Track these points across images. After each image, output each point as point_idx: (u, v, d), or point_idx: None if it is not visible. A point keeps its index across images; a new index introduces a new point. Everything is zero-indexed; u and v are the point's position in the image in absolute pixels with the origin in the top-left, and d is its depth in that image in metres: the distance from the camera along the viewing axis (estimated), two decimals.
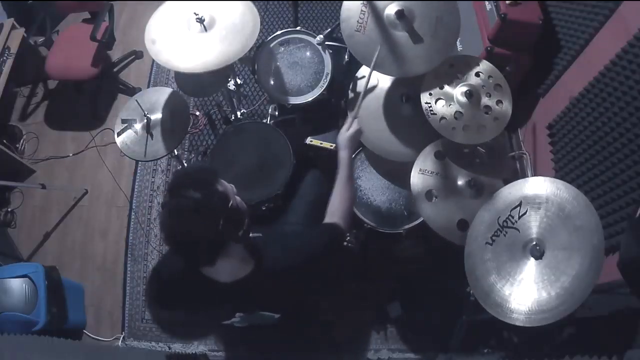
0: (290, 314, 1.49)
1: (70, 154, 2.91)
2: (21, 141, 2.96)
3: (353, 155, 1.93)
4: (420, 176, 1.64)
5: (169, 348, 2.36)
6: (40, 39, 2.94)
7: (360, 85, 1.88)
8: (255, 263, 1.19)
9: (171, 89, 2.06)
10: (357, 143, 1.60)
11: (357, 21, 1.60)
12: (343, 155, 1.49)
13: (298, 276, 1.27)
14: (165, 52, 1.71)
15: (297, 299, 1.49)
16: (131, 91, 3.00)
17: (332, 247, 1.35)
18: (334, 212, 1.39)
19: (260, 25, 1.75)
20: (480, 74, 1.65)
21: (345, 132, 1.52)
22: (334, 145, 2.07)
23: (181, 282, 1.23)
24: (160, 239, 2.61)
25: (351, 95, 1.88)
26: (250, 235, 1.45)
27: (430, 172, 1.64)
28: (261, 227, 1.58)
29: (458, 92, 1.63)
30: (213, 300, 1.23)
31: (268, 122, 2.18)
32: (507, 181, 1.54)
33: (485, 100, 1.61)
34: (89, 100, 3.01)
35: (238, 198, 1.14)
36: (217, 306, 1.31)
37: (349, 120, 1.57)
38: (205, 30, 1.75)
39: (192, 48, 1.73)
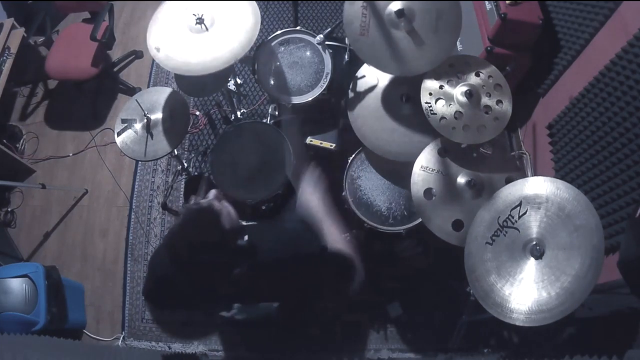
0: (288, 303, 1.50)
1: (70, 154, 2.91)
2: (21, 141, 2.96)
3: (351, 157, 1.95)
4: (421, 173, 1.64)
5: (169, 348, 2.36)
6: (40, 39, 2.95)
7: (360, 85, 1.88)
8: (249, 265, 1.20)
9: (171, 89, 2.06)
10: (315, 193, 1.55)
11: (360, 25, 1.60)
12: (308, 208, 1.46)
13: (287, 269, 1.28)
14: (171, 58, 1.72)
15: (291, 290, 1.48)
16: (131, 91, 3.00)
17: (321, 257, 1.34)
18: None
19: (260, 24, 1.75)
20: (480, 73, 1.65)
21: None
22: (333, 145, 2.09)
23: (177, 277, 1.23)
24: (160, 239, 2.62)
25: (351, 95, 1.88)
26: (245, 223, 1.45)
27: (431, 169, 1.64)
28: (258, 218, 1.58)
29: (458, 92, 1.62)
30: (210, 293, 1.23)
31: (268, 122, 2.18)
32: (510, 180, 1.54)
33: (485, 100, 1.61)
34: (89, 100, 3.01)
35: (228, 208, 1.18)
36: (214, 299, 1.31)
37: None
38: (206, 29, 1.75)
39: (195, 50, 1.73)
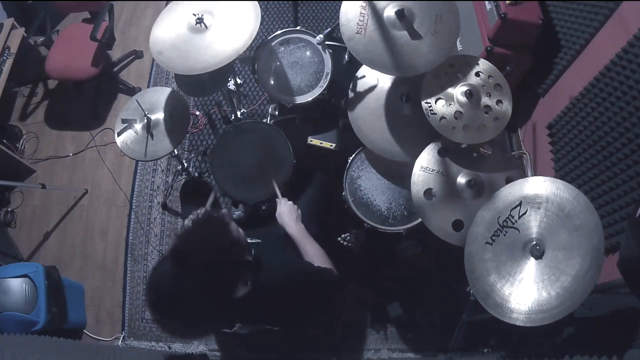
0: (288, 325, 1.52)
1: (70, 154, 2.91)
2: (21, 141, 2.97)
3: (351, 157, 1.95)
4: (421, 173, 1.64)
5: (169, 348, 2.36)
6: (40, 39, 2.95)
7: (360, 85, 1.88)
8: (253, 283, 1.21)
9: (171, 89, 2.05)
10: (291, 217, 1.66)
11: (357, 23, 1.60)
12: (289, 231, 1.61)
13: (286, 294, 1.29)
14: (173, 59, 1.72)
15: (292, 314, 1.49)
16: (131, 91, 3.00)
17: (321, 282, 1.39)
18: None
19: (260, 24, 1.75)
20: (480, 73, 1.65)
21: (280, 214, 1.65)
22: (333, 145, 2.09)
23: (180, 298, 1.20)
24: (160, 239, 2.62)
25: (351, 95, 1.88)
26: (249, 240, 1.44)
27: (431, 169, 1.64)
28: (261, 231, 1.59)
29: (458, 92, 1.62)
30: (212, 316, 1.22)
31: (268, 122, 2.18)
32: (510, 180, 1.54)
33: (485, 100, 1.61)
34: (89, 100, 3.01)
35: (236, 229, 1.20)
36: (216, 322, 1.31)
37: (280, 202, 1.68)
38: (205, 28, 1.74)
39: (195, 49, 1.72)
